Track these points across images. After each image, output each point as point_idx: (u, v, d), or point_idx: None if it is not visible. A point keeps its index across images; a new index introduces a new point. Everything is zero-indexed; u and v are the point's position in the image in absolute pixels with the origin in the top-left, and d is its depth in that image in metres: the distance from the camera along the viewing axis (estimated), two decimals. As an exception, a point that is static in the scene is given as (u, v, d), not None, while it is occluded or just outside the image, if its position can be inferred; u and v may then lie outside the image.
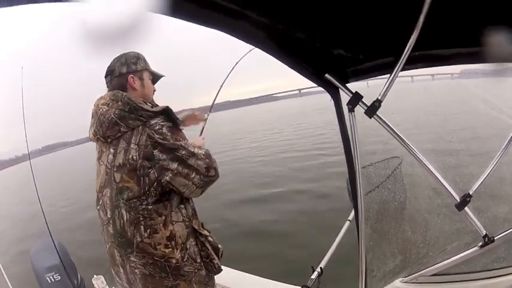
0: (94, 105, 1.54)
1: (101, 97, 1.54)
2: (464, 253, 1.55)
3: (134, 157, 1.38)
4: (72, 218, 8.89)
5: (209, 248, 1.57)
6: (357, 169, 1.43)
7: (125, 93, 1.48)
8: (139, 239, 1.41)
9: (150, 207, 1.41)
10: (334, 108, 1.51)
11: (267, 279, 2.35)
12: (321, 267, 1.93)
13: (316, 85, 1.42)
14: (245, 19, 1.02)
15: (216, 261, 1.59)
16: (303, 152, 12.34)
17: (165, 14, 0.87)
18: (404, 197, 2.69)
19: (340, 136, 1.53)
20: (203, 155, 1.48)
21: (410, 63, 1.20)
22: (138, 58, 1.57)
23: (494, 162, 1.47)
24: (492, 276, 1.57)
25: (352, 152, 1.46)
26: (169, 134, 1.41)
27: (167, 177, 1.40)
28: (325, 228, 4.43)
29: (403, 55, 1.09)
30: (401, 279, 1.72)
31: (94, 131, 1.48)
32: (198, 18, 0.94)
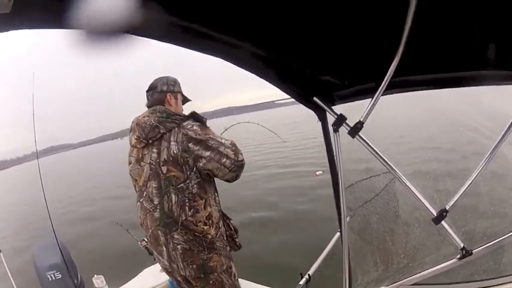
0: (134, 121, 1.97)
1: (140, 115, 1.98)
2: (443, 264, 1.64)
3: (175, 151, 1.79)
4: (73, 218, 9.03)
5: (232, 229, 2.05)
6: (340, 184, 1.58)
7: (162, 106, 1.96)
8: (184, 218, 1.81)
9: (194, 191, 1.81)
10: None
11: (254, 284, 2.51)
12: (309, 274, 2.05)
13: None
14: (241, 49, 1.17)
15: (238, 239, 2.07)
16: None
17: (163, 41, 1.02)
18: (388, 210, 2.81)
19: (327, 156, 1.68)
20: (230, 143, 1.85)
21: (391, 88, 1.31)
22: (175, 82, 2.09)
23: (472, 179, 1.54)
24: None
25: (337, 169, 1.60)
26: (199, 129, 1.83)
27: (201, 163, 1.80)
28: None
29: (384, 81, 1.23)
30: (384, 287, 1.81)
31: (137, 135, 1.90)
32: (197, 46, 1.09)
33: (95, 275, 2.69)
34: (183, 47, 1.10)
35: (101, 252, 6.16)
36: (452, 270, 1.65)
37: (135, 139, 1.91)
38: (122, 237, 3.63)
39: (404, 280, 1.75)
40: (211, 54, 1.16)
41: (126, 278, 2.97)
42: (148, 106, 2.01)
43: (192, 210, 1.81)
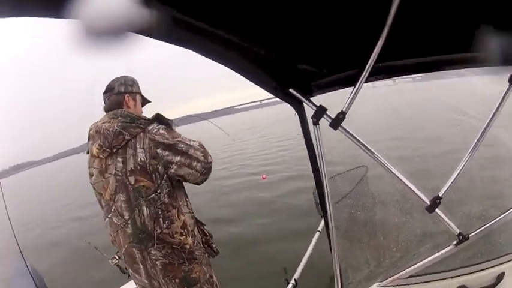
0: (92, 128, 1.81)
1: (98, 121, 1.82)
2: (440, 252, 1.61)
3: (142, 159, 1.66)
4: (40, 241, 8.70)
5: (207, 234, 1.95)
6: (324, 180, 1.49)
7: (123, 109, 1.81)
8: (159, 231, 1.70)
9: (166, 200, 1.70)
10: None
11: None
12: (295, 279, 1.98)
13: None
14: (212, 38, 1.03)
15: (214, 245, 1.97)
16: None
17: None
18: (373, 203, 2.80)
19: (306, 148, 1.59)
20: (198, 145, 1.78)
21: (374, 75, 1.26)
22: (134, 82, 1.94)
23: (462, 164, 1.53)
24: (473, 271, 1.63)
25: (319, 163, 1.51)
26: (166, 133, 1.71)
27: (172, 170, 1.70)
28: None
29: (367, 67, 1.15)
30: (377, 284, 1.76)
31: (99, 145, 1.73)
32: (165, 35, 0.94)
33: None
34: (150, 36, 0.95)
35: (71, 274, 5.91)
36: (447, 258, 1.62)
37: (97, 148, 1.74)
38: (92, 256, 3.45)
39: (399, 274, 1.70)
40: (179, 44, 1.01)
41: None
42: (106, 110, 1.87)
43: (167, 222, 1.71)
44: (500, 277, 1.58)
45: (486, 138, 1.51)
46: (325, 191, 1.49)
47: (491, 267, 1.62)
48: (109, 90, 1.89)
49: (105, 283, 4.53)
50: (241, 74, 1.24)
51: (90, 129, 1.82)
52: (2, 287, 2.87)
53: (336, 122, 1.31)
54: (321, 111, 1.34)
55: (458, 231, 1.53)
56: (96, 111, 1.97)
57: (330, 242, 1.63)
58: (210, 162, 1.79)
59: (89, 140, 1.82)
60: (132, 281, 2.67)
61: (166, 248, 1.72)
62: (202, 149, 1.78)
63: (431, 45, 1.25)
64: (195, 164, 1.72)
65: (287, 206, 6.45)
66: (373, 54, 1.10)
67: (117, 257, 2.59)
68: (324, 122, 1.34)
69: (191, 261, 1.78)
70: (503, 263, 1.62)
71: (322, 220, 2.82)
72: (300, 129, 1.59)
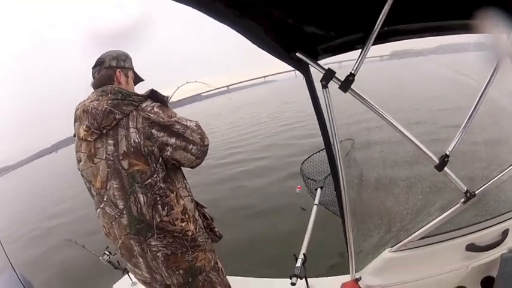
0: (79, 107, 1.61)
1: (86, 99, 1.62)
2: (449, 211, 1.63)
3: (136, 140, 1.49)
4: (24, 244, 8.41)
5: (209, 218, 1.80)
6: (335, 143, 1.51)
7: (114, 85, 1.61)
8: (158, 219, 1.54)
9: (163, 185, 1.54)
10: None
11: (253, 278, 2.38)
12: (304, 254, 1.96)
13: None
14: None
15: (217, 229, 1.82)
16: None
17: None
18: (361, 175, 2.85)
19: (314, 113, 1.59)
20: (195, 126, 1.62)
21: (380, 38, 1.26)
22: (126, 57, 1.75)
23: (466, 122, 1.56)
24: (479, 229, 1.68)
25: (328, 126, 1.53)
26: (161, 112, 1.54)
27: (168, 152, 1.53)
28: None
29: (374, 30, 1.17)
30: (389, 249, 1.78)
31: (87, 126, 1.53)
32: None
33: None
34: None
35: (61, 276, 5.74)
36: (455, 217, 1.66)
37: (85, 130, 1.55)
38: (80, 254, 3.33)
39: (410, 237, 1.72)
40: (183, 2, 0.97)
41: None
42: (95, 86, 1.67)
43: (166, 209, 1.55)
44: (505, 233, 1.64)
45: (489, 95, 1.53)
46: (337, 155, 1.50)
47: (496, 224, 1.67)
48: (99, 64, 1.70)
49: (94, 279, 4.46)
50: (248, 39, 1.22)
51: (77, 109, 1.62)
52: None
53: (346, 84, 1.32)
54: (330, 74, 1.35)
55: (465, 188, 1.56)
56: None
57: (341, 210, 1.64)
58: (207, 145, 1.65)
59: (75, 122, 1.63)
60: (127, 276, 2.60)
61: (167, 237, 1.57)
62: (200, 131, 1.62)
63: (434, 10, 1.26)
64: (190, 147, 1.57)
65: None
66: (380, 18, 1.11)
67: (107, 253, 2.50)
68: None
69: (195, 249, 1.64)
70: (507, 220, 1.67)
71: (318, 192, 2.85)
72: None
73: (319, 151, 3.50)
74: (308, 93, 1.57)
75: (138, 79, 1.86)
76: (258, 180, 7.51)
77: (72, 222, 8.91)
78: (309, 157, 3.64)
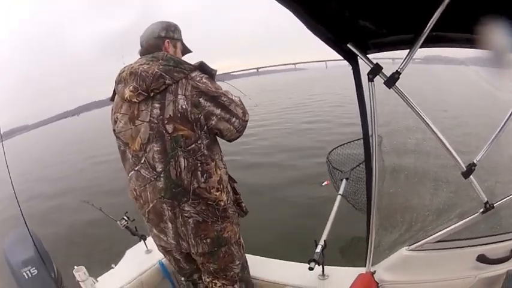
0: (125, 70, 1.68)
1: (133, 62, 1.69)
2: (467, 219, 1.71)
3: (184, 106, 1.56)
4: (38, 203, 8.47)
5: (238, 193, 1.91)
6: (374, 136, 1.61)
7: (165, 53, 1.69)
8: (196, 185, 1.63)
9: (206, 152, 1.63)
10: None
11: (267, 258, 2.45)
12: (324, 241, 2.05)
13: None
14: None
15: (244, 204, 1.93)
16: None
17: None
18: (384, 173, 2.96)
19: (358, 105, 1.67)
20: (239, 101, 1.72)
21: (428, 41, 1.34)
22: (176, 28, 1.83)
23: (496, 134, 1.65)
24: (492, 242, 1.74)
25: (369, 120, 1.62)
26: (209, 83, 1.62)
27: (213, 122, 1.62)
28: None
29: (424, 33, 1.25)
30: (406, 247, 1.85)
31: (134, 87, 1.60)
32: None
33: (75, 267, 2.44)
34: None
35: (73, 238, 5.79)
36: (471, 226, 1.73)
37: (131, 91, 1.60)
38: (95, 217, 3.39)
39: (428, 238, 1.79)
40: None
41: (107, 263, 2.67)
42: (142, 54, 1.75)
43: (205, 176, 1.63)
44: None
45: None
46: (374, 146, 1.59)
47: (508, 240, 1.73)
48: (148, 33, 1.79)
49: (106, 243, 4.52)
50: (304, 24, 1.29)
51: (122, 72, 1.69)
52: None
53: (391, 81, 1.41)
54: (377, 68, 1.45)
55: (486, 199, 1.64)
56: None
57: (369, 203, 1.74)
58: (247, 121, 1.75)
59: (118, 84, 1.70)
60: (142, 243, 2.67)
61: (201, 204, 1.65)
62: (242, 106, 1.72)
63: (484, 25, 1.30)
64: (233, 120, 1.66)
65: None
66: (431, 22, 1.19)
67: (126, 218, 2.58)
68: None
69: (224, 220, 1.74)
70: None
71: (343, 183, 2.95)
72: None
73: (346, 143, 3.64)
74: (354, 85, 1.66)
75: (186, 50, 1.93)
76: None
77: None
78: (336, 148, 3.76)
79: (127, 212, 2.52)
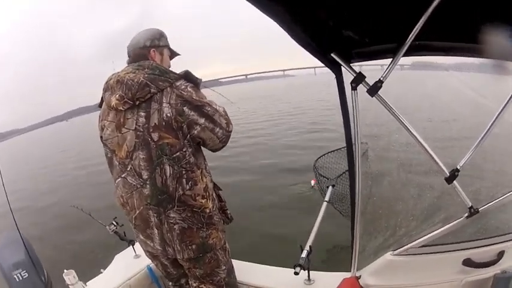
0: (112, 78, 1.72)
1: (120, 71, 1.73)
2: (451, 224, 1.75)
3: (168, 114, 1.59)
4: (28, 208, 8.52)
5: (223, 200, 1.95)
6: (356, 144, 1.64)
7: (151, 61, 1.74)
8: (181, 192, 1.66)
9: (191, 160, 1.67)
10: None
11: (254, 263, 2.47)
12: (310, 246, 2.07)
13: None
14: None
15: (229, 211, 1.97)
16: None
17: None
18: (370, 178, 3.00)
19: (341, 114, 1.69)
20: (223, 111, 1.74)
21: (411, 50, 1.36)
22: (161, 35, 1.85)
23: (479, 140, 1.68)
24: (477, 246, 1.77)
25: (352, 128, 1.64)
26: (194, 92, 1.65)
27: (195, 131, 1.65)
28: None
29: (406, 42, 1.28)
30: (391, 252, 1.88)
31: (120, 95, 1.64)
32: None
33: (65, 270, 2.46)
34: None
35: (62, 243, 5.82)
36: (457, 230, 1.77)
37: (117, 99, 1.64)
38: (83, 223, 3.41)
39: (412, 243, 1.82)
40: None
41: (96, 267, 2.71)
42: (129, 63, 1.78)
43: (190, 183, 1.66)
44: (500, 254, 1.74)
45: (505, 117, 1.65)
46: (356, 156, 1.63)
47: (494, 244, 1.76)
48: (134, 43, 1.82)
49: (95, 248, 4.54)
50: (288, 33, 1.29)
51: (109, 79, 1.73)
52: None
53: (373, 90, 1.44)
54: (360, 77, 1.47)
55: (470, 204, 1.67)
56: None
57: (353, 208, 1.76)
58: (231, 131, 1.77)
59: (106, 91, 1.74)
60: (131, 248, 2.70)
61: (186, 211, 1.69)
62: (226, 116, 1.74)
63: (466, 33, 1.36)
64: (217, 130, 1.69)
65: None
66: (413, 31, 1.22)
67: (114, 223, 2.61)
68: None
69: (209, 227, 1.77)
70: (504, 242, 1.76)
71: (329, 190, 2.98)
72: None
73: (332, 151, 3.69)
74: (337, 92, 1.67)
75: (174, 54, 1.96)
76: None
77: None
78: (323, 155, 3.80)
79: (116, 218, 2.55)
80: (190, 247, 1.76)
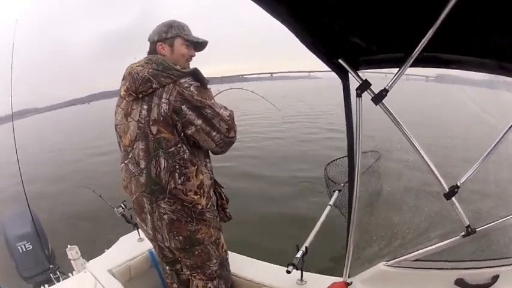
0: (127, 69, 1.79)
1: (136, 62, 1.80)
2: (447, 241, 1.74)
3: (165, 110, 1.63)
4: (41, 184, 8.73)
5: (224, 198, 2.00)
6: (357, 150, 1.65)
7: (159, 56, 1.77)
8: (172, 185, 1.71)
9: (186, 156, 1.70)
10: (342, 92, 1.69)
11: (251, 258, 2.50)
12: (306, 247, 2.10)
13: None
14: None
15: (228, 210, 2.02)
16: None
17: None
18: (380, 188, 2.98)
19: (345, 119, 1.72)
20: (227, 116, 1.75)
21: (418, 61, 1.37)
22: (170, 27, 1.83)
23: (483, 158, 1.68)
24: (471, 267, 1.75)
25: (355, 134, 1.67)
26: (196, 92, 1.66)
27: (189, 131, 1.68)
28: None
29: (414, 53, 1.28)
30: (384, 262, 1.88)
31: (126, 87, 1.73)
32: None
33: (69, 246, 2.56)
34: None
35: (71, 220, 5.97)
36: (452, 248, 1.76)
37: (124, 90, 1.75)
38: (94, 203, 3.50)
39: (406, 256, 1.82)
40: None
41: (100, 247, 2.78)
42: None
43: (182, 178, 1.72)
44: (495, 278, 1.70)
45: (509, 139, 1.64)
46: (356, 162, 1.64)
47: (489, 267, 1.73)
48: (149, 37, 1.87)
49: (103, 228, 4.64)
50: (297, 37, 1.35)
51: (126, 69, 1.80)
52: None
53: (378, 98, 1.45)
54: (366, 84, 1.49)
55: (467, 223, 1.66)
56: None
57: (350, 214, 1.78)
58: (231, 137, 1.78)
59: (122, 79, 1.81)
60: (135, 231, 2.77)
61: (176, 204, 1.75)
62: (229, 122, 1.74)
63: (476, 47, 1.36)
64: (214, 133, 1.70)
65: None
66: (422, 42, 1.22)
67: (123, 206, 2.68)
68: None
69: (199, 222, 1.82)
70: (499, 266, 1.73)
71: (335, 194, 3.00)
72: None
73: (345, 156, 3.67)
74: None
75: (192, 43, 1.88)
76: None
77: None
78: (335, 160, 3.86)
79: (125, 201, 2.61)
80: (177, 237, 1.82)
